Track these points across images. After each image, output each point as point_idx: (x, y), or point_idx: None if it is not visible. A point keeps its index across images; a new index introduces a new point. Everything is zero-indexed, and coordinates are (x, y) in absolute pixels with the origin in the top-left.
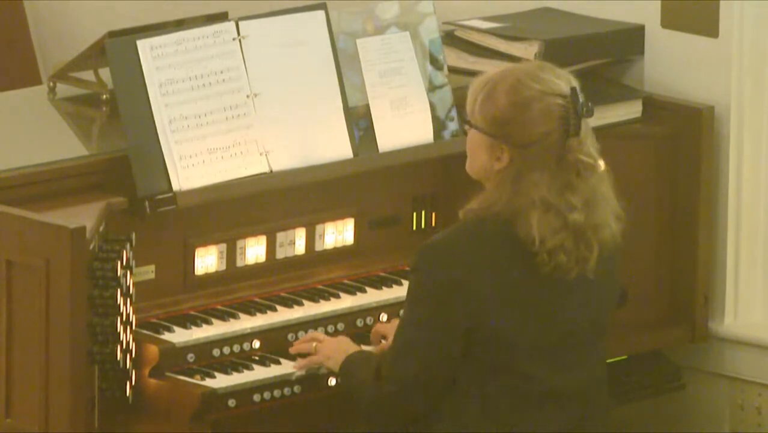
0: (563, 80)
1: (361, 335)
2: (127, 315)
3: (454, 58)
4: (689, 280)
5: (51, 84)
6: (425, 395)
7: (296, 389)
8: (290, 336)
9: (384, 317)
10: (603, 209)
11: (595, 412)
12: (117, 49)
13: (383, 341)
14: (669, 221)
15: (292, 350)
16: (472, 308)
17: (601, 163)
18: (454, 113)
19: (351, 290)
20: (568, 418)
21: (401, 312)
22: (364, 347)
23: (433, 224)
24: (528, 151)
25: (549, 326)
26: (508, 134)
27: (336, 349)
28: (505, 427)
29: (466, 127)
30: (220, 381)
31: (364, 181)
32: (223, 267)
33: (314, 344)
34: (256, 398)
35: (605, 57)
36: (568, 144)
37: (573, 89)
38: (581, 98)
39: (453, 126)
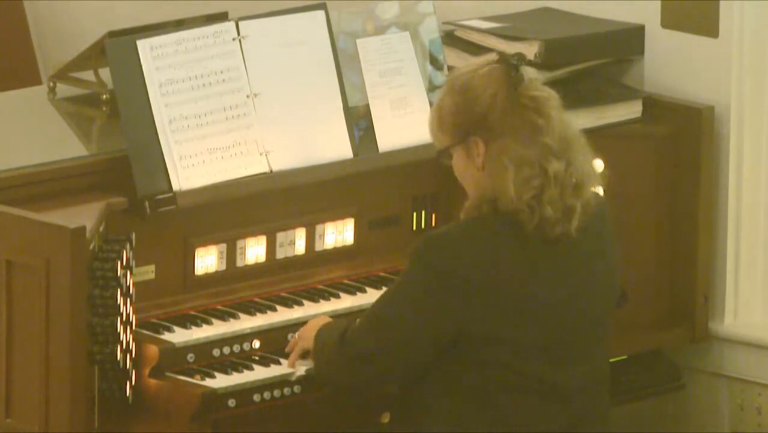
0: (489, 56)
1: None
2: (127, 315)
3: (454, 58)
4: (689, 280)
5: (51, 84)
6: (377, 373)
7: (296, 389)
8: (290, 336)
9: None
10: (581, 160)
11: (596, 410)
12: (117, 49)
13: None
14: (669, 221)
15: (287, 349)
16: (466, 303)
17: (557, 98)
18: None
19: (351, 290)
20: (569, 415)
21: (387, 289)
22: None
23: (433, 223)
24: (488, 122)
25: (547, 322)
26: (467, 122)
27: (311, 329)
28: (504, 425)
29: (445, 159)
30: (220, 381)
31: (364, 181)
32: (223, 267)
33: (296, 335)
34: (256, 398)
35: (605, 57)
36: (518, 95)
37: (500, 53)
38: (510, 55)
39: None
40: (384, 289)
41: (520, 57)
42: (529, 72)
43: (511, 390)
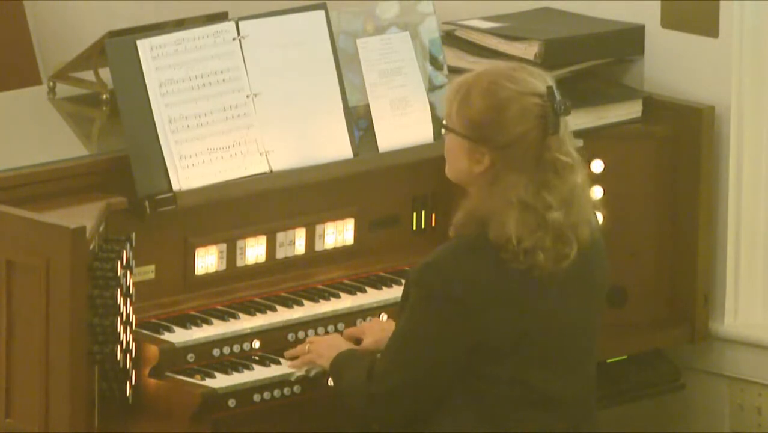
0: (539, 79)
1: None
2: (127, 315)
3: (454, 58)
4: (689, 280)
5: (51, 84)
6: (412, 405)
7: (296, 389)
8: (290, 336)
9: (384, 316)
10: (581, 206)
11: (588, 416)
12: (117, 49)
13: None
14: (669, 221)
15: (286, 354)
16: (473, 324)
17: (580, 161)
18: None
19: (351, 290)
20: (565, 422)
21: (399, 321)
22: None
23: (433, 223)
24: (507, 152)
25: (546, 334)
26: (486, 137)
27: (328, 346)
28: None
29: (443, 131)
30: (220, 381)
31: (364, 181)
32: (223, 267)
33: (307, 346)
34: (256, 398)
35: (605, 57)
36: (547, 143)
37: (549, 88)
38: (558, 96)
39: None
40: (384, 289)
41: (567, 108)
42: (566, 124)
43: (512, 402)
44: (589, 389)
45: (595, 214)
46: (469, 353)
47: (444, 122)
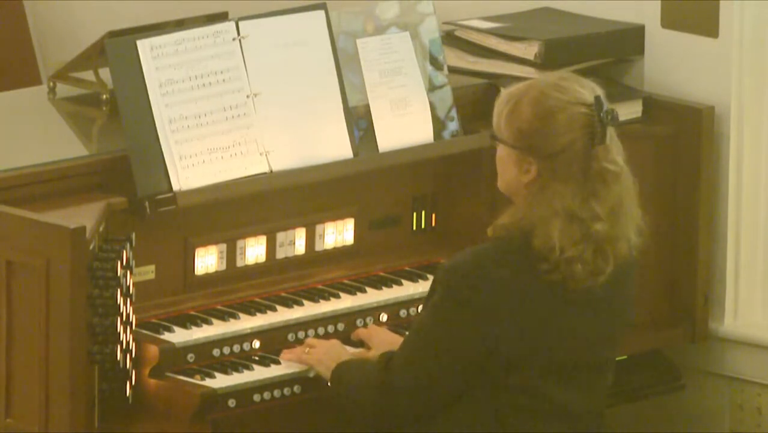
0: (587, 89)
1: None
2: (127, 315)
3: (454, 58)
4: (689, 280)
5: (51, 84)
6: (424, 402)
7: (296, 389)
8: (290, 336)
9: (384, 317)
10: (626, 221)
11: (599, 425)
12: (117, 49)
13: (367, 348)
14: (669, 221)
15: (283, 357)
16: (491, 331)
17: (627, 171)
18: (454, 113)
19: (351, 290)
20: (577, 432)
21: (420, 315)
22: (351, 349)
23: (433, 223)
24: (554, 161)
25: (567, 347)
26: (534, 146)
27: (328, 354)
28: None
29: (494, 142)
30: (220, 381)
31: (364, 181)
32: (223, 267)
33: (307, 349)
34: (256, 398)
35: (605, 57)
36: (593, 153)
37: (597, 98)
38: (605, 106)
39: (453, 126)
40: (384, 289)
41: (614, 117)
42: (612, 133)
43: (524, 411)
44: (600, 402)
45: (636, 232)
46: (485, 358)
47: (493, 134)
